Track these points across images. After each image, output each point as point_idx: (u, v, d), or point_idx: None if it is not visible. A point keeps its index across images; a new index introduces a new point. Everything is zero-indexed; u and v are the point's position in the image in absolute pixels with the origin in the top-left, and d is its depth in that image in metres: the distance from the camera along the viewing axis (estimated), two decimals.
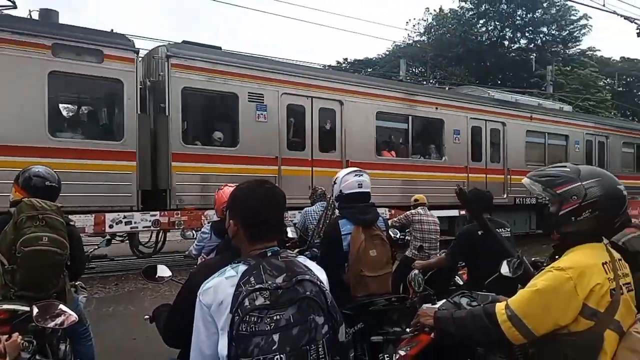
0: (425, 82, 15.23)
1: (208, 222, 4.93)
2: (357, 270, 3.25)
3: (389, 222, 6.18)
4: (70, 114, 8.80)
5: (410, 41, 36.09)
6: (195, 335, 1.55)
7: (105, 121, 8.54)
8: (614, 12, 11.34)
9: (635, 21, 11.02)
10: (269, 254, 1.62)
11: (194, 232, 4.81)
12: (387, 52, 36.51)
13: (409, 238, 6.43)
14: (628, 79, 36.32)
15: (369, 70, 32.99)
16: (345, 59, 36.21)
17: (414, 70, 33.83)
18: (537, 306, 1.72)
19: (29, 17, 8.67)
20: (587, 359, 1.69)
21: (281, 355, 1.41)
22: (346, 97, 10.28)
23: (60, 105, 8.45)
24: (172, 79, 8.24)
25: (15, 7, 8.44)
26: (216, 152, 8.79)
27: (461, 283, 4.54)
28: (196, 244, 4.34)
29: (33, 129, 7.14)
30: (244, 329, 1.41)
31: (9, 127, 6.97)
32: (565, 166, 1.89)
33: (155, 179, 8.38)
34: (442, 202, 10.31)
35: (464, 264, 4.56)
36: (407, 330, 2.32)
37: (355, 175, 3.49)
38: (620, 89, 34.96)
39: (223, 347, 1.45)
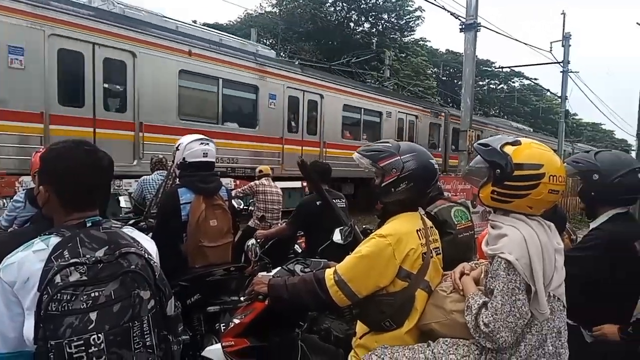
0: (276, 55, 14.96)
1: (23, 189, 4.31)
2: (196, 241, 3.17)
3: (233, 192, 6.17)
4: (430, 140, 17.83)
5: (262, 11, 35.73)
6: None
7: (435, 141, 18.52)
8: (443, 8, 12.56)
9: (460, 18, 12.38)
10: (89, 224, 1.47)
11: (4, 201, 4.15)
12: (239, 20, 35.66)
13: (252, 208, 6.49)
14: (451, 70, 41.34)
15: None
16: (195, 22, 34.36)
17: (264, 42, 33.67)
18: (361, 270, 1.86)
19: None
20: (401, 316, 1.89)
21: (99, 335, 1.30)
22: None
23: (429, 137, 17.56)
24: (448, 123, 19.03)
25: None
26: None
27: (300, 251, 4.75)
28: (7, 214, 3.76)
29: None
30: (53, 309, 1.26)
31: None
32: (388, 142, 2.05)
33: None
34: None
35: (303, 233, 4.77)
36: (242, 299, 2.33)
37: (201, 143, 3.34)
38: (445, 78, 39.77)
39: (29, 329, 1.30)
